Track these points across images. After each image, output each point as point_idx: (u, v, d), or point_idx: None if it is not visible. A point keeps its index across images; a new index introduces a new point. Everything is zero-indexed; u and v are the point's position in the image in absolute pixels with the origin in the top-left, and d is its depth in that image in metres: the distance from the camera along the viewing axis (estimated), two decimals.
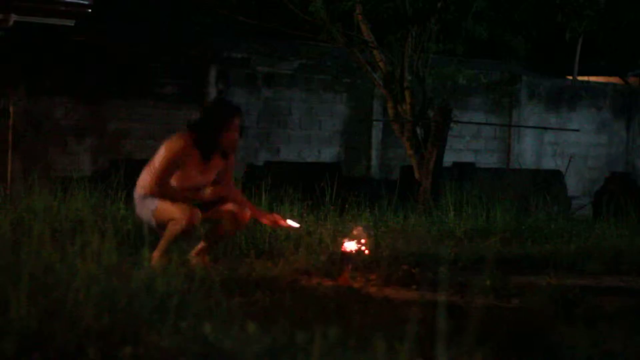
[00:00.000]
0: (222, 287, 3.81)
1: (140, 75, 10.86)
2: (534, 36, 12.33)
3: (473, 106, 13.51)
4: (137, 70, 10.87)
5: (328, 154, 12.38)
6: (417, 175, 10.27)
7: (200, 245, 5.80)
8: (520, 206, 8.88)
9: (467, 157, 13.51)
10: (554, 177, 13.41)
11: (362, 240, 5.81)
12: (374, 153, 12.67)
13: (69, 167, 10.33)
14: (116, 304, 3.37)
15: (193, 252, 5.75)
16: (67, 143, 10.47)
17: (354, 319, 4.11)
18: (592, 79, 15.74)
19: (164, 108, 11.04)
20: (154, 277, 3.72)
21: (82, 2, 8.85)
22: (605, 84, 15.48)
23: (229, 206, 5.73)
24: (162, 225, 5.49)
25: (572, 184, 14.14)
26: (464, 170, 12.72)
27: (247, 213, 5.78)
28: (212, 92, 11.32)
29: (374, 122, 12.58)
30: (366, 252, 5.84)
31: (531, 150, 14.18)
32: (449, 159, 12.19)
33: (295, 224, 6.07)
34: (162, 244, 5.46)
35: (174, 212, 5.45)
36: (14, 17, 8.77)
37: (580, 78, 15.82)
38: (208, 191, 5.73)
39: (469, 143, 13.57)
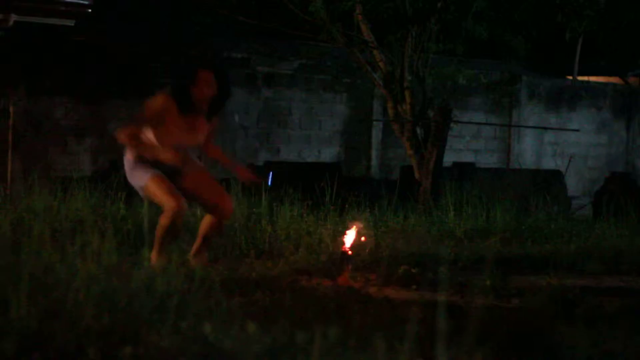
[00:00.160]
0: (222, 287, 3.82)
1: (140, 75, 10.86)
2: (534, 36, 12.33)
3: (473, 106, 13.51)
4: (137, 70, 10.87)
5: (328, 154, 12.38)
6: (417, 175, 10.27)
7: (196, 244, 5.79)
8: (520, 206, 8.88)
9: (467, 157, 13.52)
10: (554, 177, 13.40)
11: (362, 238, 5.81)
12: (374, 153, 12.68)
13: (69, 167, 10.33)
14: (116, 304, 3.37)
15: (191, 252, 5.74)
16: (67, 143, 10.47)
17: (354, 319, 4.11)
18: (592, 79, 15.74)
19: None
20: (154, 277, 3.72)
21: (82, 2, 8.85)
22: (605, 84, 15.48)
23: (211, 196, 5.69)
24: (151, 202, 5.54)
25: (572, 184, 14.14)
26: (464, 170, 12.72)
27: (230, 203, 5.73)
28: None
29: (374, 122, 12.58)
30: (362, 239, 5.84)
31: (531, 150, 14.18)
32: (449, 159, 12.19)
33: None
34: (157, 241, 5.46)
35: (161, 199, 5.45)
36: (14, 17, 8.77)
37: (580, 78, 15.82)
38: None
39: (469, 143, 13.57)
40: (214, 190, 5.73)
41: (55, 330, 3.13)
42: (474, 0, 10.24)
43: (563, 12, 10.29)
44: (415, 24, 10.14)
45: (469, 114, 13.19)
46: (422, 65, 10.36)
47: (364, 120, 12.48)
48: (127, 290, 3.48)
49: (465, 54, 10.61)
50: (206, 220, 5.76)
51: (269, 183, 6.08)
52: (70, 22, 9.10)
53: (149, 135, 5.53)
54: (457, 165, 13.06)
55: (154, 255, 5.35)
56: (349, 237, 5.78)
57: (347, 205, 7.90)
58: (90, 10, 8.97)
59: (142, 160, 5.56)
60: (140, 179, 5.56)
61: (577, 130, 14.05)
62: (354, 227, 5.90)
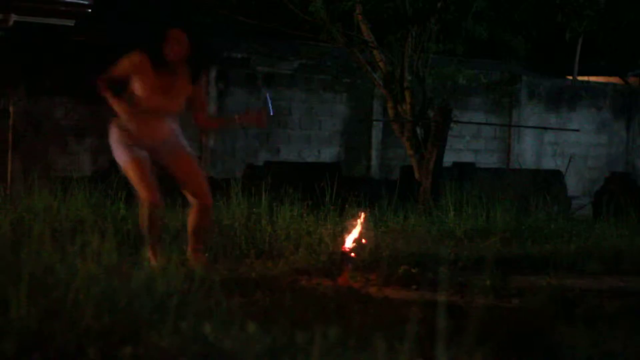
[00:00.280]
0: (222, 287, 3.81)
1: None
2: (534, 36, 12.33)
3: (473, 106, 13.51)
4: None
5: (328, 154, 12.38)
6: (417, 175, 10.28)
7: (189, 241, 5.75)
8: (520, 206, 8.88)
9: (467, 157, 13.51)
10: (554, 177, 13.41)
11: (363, 240, 5.81)
12: (374, 153, 12.67)
13: (69, 167, 10.33)
14: (116, 304, 3.36)
15: (188, 250, 5.71)
16: (67, 143, 10.47)
17: (354, 319, 4.11)
18: (592, 79, 15.73)
19: None
20: (153, 277, 3.72)
21: (82, 2, 8.85)
22: (605, 84, 15.47)
23: (189, 178, 5.60)
24: None
25: (572, 184, 14.14)
26: (464, 170, 12.73)
27: (209, 200, 5.63)
28: (212, 92, 11.32)
29: (374, 122, 12.58)
30: (363, 241, 5.85)
31: (531, 150, 14.18)
32: (449, 159, 12.19)
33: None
34: (146, 238, 5.43)
35: (137, 187, 5.42)
36: (14, 17, 8.78)
37: (580, 78, 15.81)
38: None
39: (469, 143, 13.57)
40: (192, 172, 5.62)
41: (55, 330, 3.13)
42: (474, 0, 10.24)
43: (563, 12, 10.30)
44: (415, 24, 10.14)
45: (469, 114, 13.18)
46: (422, 65, 10.36)
47: (364, 120, 12.47)
48: (127, 290, 3.48)
49: (465, 54, 10.61)
50: (191, 213, 5.67)
51: (271, 112, 5.94)
52: (70, 22, 9.10)
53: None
54: (457, 165, 13.06)
55: (150, 254, 5.34)
56: (349, 237, 5.78)
57: (347, 205, 7.90)
58: (90, 10, 8.98)
59: (124, 135, 5.49)
60: (119, 157, 5.53)
61: (577, 130, 14.05)
62: (354, 227, 5.90)
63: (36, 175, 7.78)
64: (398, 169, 12.58)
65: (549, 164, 14.13)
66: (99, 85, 5.47)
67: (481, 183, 10.23)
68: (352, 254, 5.72)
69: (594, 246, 7.26)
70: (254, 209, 7.50)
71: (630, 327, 3.89)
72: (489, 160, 13.77)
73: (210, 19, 11.27)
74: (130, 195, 7.45)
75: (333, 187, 8.14)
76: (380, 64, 10.42)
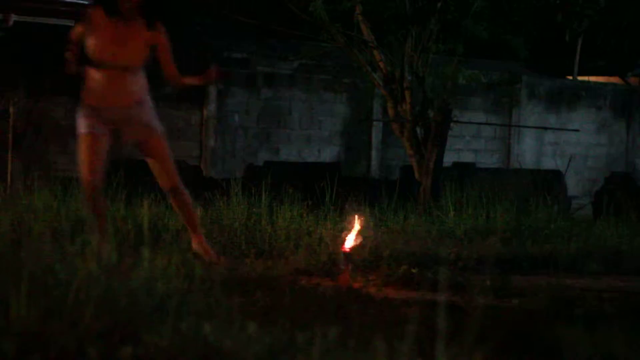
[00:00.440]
0: (222, 287, 3.81)
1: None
2: (534, 36, 12.33)
3: (473, 106, 13.51)
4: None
5: (328, 154, 12.38)
6: (417, 175, 10.28)
7: (190, 233, 5.71)
8: (520, 206, 8.88)
9: (467, 157, 13.52)
10: (554, 177, 13.40)
11: (362, 240, 5.81)
12: (374, 153, 12.68)
13: (69, 167, 10.32)
14: (116, 304, 3.36)
15: (194, 243, 5.69)
16: (67, 143, 10.46)
17: (354, 319, 4.11)
18: (592, 79, 15.73)
19: (164, 108, 11.03)
20: (154, 277, 3.72)
21: (82, 2, 8.86)
22: (605, 84, 15.47)
23: (156, 168, 5.53)
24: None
25: (572, 184, 14.14)
26: (464, 170, 12.72)
27: (176, 181, 5.52)
28: (212, 92, 11.32)
29: (374, 122, 12.58)
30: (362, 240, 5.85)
31: (531, 151, 14.18)
32: (449, 159, 12.19)
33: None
34: (90, 221, 5.32)
35: (80, 160, 5.36)
36: (13, 17, 8.78)
37: (580, 78, 15.82)
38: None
39: (469, 143, 13.57)
40: (159, 151, 5.54)
41: (55, 330, 3.13)
42: (474, 0, 10.24)
43: (563, 12, 10.29)
44: (415, 24, 10.14)
45: (469, 114, 13.19)
46: (422, 65, 10.36)
47: (364, 120, 12.48)
48: (127, 290, 3.48)
49: (465, 54, 10.61)
50: (172, 203, 5.65)
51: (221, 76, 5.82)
52: (70, 22, 9.10)
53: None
54: (457, 165, 13.06)
55: (98, 238, 5.07)
56: (349, 237, 5.78)
57: (347, 205, 7.90)
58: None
59: (87, 107, 5.38)
60: (77, 126, 5.42)
61: (577, 130, 14.05)
62: (354, 227, 5.90)
63: (36, 175, 7.78)
64: (398, 169, 12.58)
65: (549, 164, 14.13)
66: (66, 62, 5.37)
67: (481, 183, 10.22)
68: (352, 254, 5.72)
69: (594, 246, 7.25)
70: (254, 209, 7.50)
71: (630, 327, 3.88)
72: (489, 160, 13.78)
73: (210, 19, 11.29)
74: (130, 195, 7.46)
75: (333, 187, 8.15)
76: (380, 64, 10.42)
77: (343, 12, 10.23)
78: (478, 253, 6.59)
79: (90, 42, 5.34)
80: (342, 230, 6.41)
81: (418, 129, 10.32)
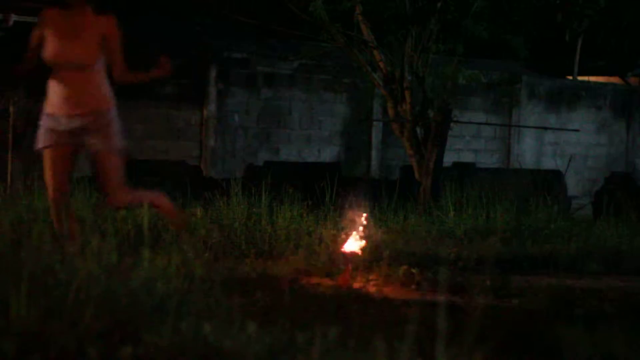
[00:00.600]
0: (222, 287, 3.81)
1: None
2: (534, 36, 12.33)
3: (473, 106, 13.51)
4: (137, 70, 10.84)
5: (328, 154, 12.38)
6: (417, 175, 10.28)
7: (169, 218, 5.60)
8: (520, 206, 8.88)
9: (467, 157, 13.52)
10: (554, 177, 13.41)
11: (362, 239, 5.81)
12: (374, 153, 12.68)
13: None
14: (116, 304, 3.36)
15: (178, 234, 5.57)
16: None
17: (354, 319, 4.11)
18: (592, 79, 15.73)
19: (164, 108, 11.04)
20: (154, 277, 3.72)
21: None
22: (605, 84, 15.47)
23: (100, 173, 5.29)
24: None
25: (572, 184, 14.14)
26: (464, 170, 12.72)
27: (115, 200, 5.28)
28: (212, 92, 11.32)
29: (374, 122, 12.58)
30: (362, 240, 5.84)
31: (531, 150, 14.18)
32: (449, 159, 12.19)
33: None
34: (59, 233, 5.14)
35: (45, 179, 5.20)
36: (13, 17, 8.77)
37: (580, 78, 15.81)
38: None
39: (469, 143, 13.57)
40: (106, 166, 5.24)
41: (55, 330, 3.13)
42: (474, 0, 10.24)
43: (563, 12, 10.29)
44: (415, 24, 10.14)
45: (469, 114, 13.19)
46: (422, 65, 10.36)
47: (364, 120, 12.48)
48: (127, 290, 3.48)
49: (465, 54, 10.61)
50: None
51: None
52: None
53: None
54: (457, 165, 13.06)
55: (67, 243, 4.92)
56: (349, 237, 5.78)
57: (347, 205, 7.90)
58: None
59: (46, 118, 5.20)
60: (37, 138, 5.23)
61: (577, 130, 14.05)
62: (354, 227, 5.90)
63: (36, 175, 7.77)
64: (398, 169, 12.58)
65: (549, 164, 14.13)
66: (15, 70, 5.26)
67: (481, 183, 10.23)
68: (352, 254, 5.72)
69: (594, 246, 7.26)
70: (254, 209, 7.50)
71: (630, 327, 3.89)
72: (489, 160, 13.78)
73: (210, 19, 11.28)
74: None
75: (333, 187, 8.15)
76: (380, 64, 10.42)
77: (343, 12, 10.23)
78: (478, 253, 6.59)
79: (45, 43, 5.20)
80: (342, 230, 6.41)
81: (418, 129, 10.33)
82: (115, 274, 3.61)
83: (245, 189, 7.87)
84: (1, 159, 9.89)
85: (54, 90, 5.26)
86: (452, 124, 10.42)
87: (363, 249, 6.05)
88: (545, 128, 13.97)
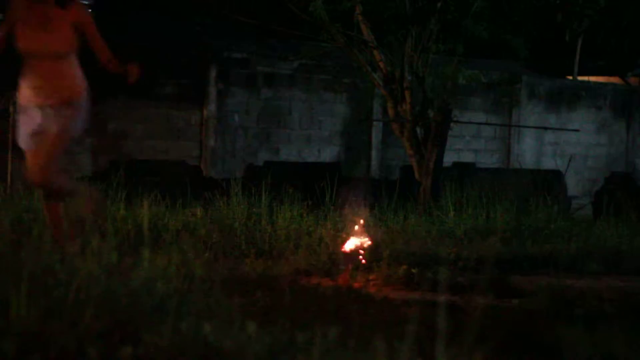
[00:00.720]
0: (222, 287, 3.81)
1: (140, 75, 10.83)
2: (534, 36, 12.33)
3: (473, 106, 13.51)
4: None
5: (328, 154, 12.38)
6: (417, 175, 10.28)
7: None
8: (520, 206, 8.88)
9: (467, 157, 13.52)
10: (554, 177, 13.41)
11: (362, 239, 5.81)
12: (374, 153, 12.68)
13: (69, 167, 10.33)
14: (116, 304, 3.36)
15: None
16: None
17: (354, 319, 4.11)
18: (592, 79, 15.73)
19: (164, 108, 11.04)
20: (154, 277, 3.72)
21: (81, 2, 8.85)
22: (605, 84, 15.47)
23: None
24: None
25: (572, 184, 14.14)
26: (464, 170, 12.72)
27: (33, 178, 5.13)
28: (212, 92, 11.32)
29: (374, 122, 12.58)
30: (362, 239, 5.84)
31: (531, 150, 14.18)
32: (449, 159, 12.19)
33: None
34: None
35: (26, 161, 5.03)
36: None
37: (580, 78, 15.82)
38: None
39: (469, 143, 13.57)
40: (45, 144, 5.10)
41: (55, 330, 3.13)
42: (474, 0, 10.24)
43: (563, 12, 10.29)
44: (415, 24, 10.14)
45: (469, 114, 13.19)
46: (422, 65, 10.36)
47: (364, 120, 12.48)
48: (127, 290, 3.48)
49: (465, 54, 10.61)
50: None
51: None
52: None
53: None
54: (457, 165, 13.06)
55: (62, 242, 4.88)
56: (349, 237, 5.78)
57: (347, 205, 7.90)
58: (90, 10, 8.97)
59: (20, 105, 5.14)
60: (17, 136, 5.20)
61: (578, 130, 14.05)
62: (354, 227, 5.90)
63: None
64: (398, 169, 12.58)
65: (549, 164, 14.13)
66: None
67: (481, 183, 10.23)
68: (352, 254, 5.72)
69: (594, 246, 7.26)
70: (254, 209, 7.50)
71: (630, 327, 3.89)
72: (489, 160, 13.78)
73: (210, 19, 11.28)
74: (130, 195, 7.46)
75: (333, 187, 8.15)
76: (380, 64, 10.42)
77: (343, 12, 10.23)
78: (478, 253, 6.59)
79: (15, 32, 5.10)
80: (342, 230, 6.41)
81: (418, 129, 10.33)
82: (115, 274, 3.61)
83: (245, 189, 7.88)
84: (1, 159, 9.89)
85: (27, 81, 5.19)
86: (452, 124, 10.42)
87: (363, 249, 6.05)
88: (545, 128, 13.97)
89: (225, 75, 11.46)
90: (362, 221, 6.04)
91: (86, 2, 8.87)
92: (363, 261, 5.92)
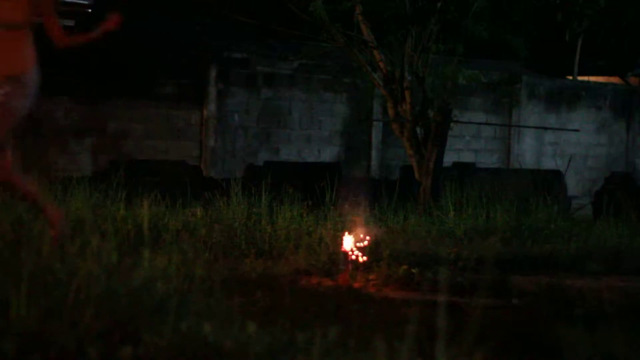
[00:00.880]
0: (222, 287, 3.81)
1: (140, 75, 10.86)
2: (534, 36, 12.33)
3: (473, 106, 13.51)
4: (137, 70, 10.87)
5: (328, 154, 12.38)
6: (417, 175, 10.28)
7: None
8: (520, 206, 8.88)
9: (467, 157, 13.52)
10: (554, 177, 13.41)
11: (362, 239, 5.81)
12: (374, 153, 12.68)
13: (69, 167, 10.33)
14: (116, 304, 3.36)
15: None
16: (67, 143, 10.47)
17: (354, 319, 4.11)
18: (592, 79, 15.73)
19: (164, 108, 11.05)
20: (154, 277, 3.72)
21: (82, 2, 8.85)
22: (605, 84, 15.47)
23: None
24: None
25: (572, 184, 14.14)
26: (464, 170, 12.72)
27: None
28: (212, 92, 11.32)
29: (374, 122, 12.58)
30: (362, 239, 5.83)
31: (531, 150, 14.18)
32: (449, 159, 12.19)
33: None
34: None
35: None
36: None
37: (580, 78, 15.82)
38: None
39: (469, 143, 13.57)
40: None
41: (55, 330, 3.13)
42: (474, 0, 10.24)
43: (563, 12, 10.29)
44: (415, 24, 10.14)
45: (469, 114, 13.19)
46: (422, 65, 10.36)
47: (364, 120, 12.48)
48: (127, 290, 3.48)
49: (465, 54, 10.61)
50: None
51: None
52: (70, 22, 9.09)
53: None
54: (457, 165, 13.06)
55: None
56: (349, 237, 5.78)
57: (347, 205, 7.90)
58: (90, 10, 8.97)
59: None
60: None
61: (578, 130, 14.05)
62: (354, 227, 5.90)
63: (36, 175, 7.77)
64: (398, 169, 12.58)
65: (549, 164, 14.13)
66: None
67: (481, 183, 10.23)
68: (352, 254, 5.72)
69: (594, 246, 7.26)
70: (254, 209, 7.50)
71: (630, 327, 3.88)
72: (489, 160, 13.78)
73: (210, 19, 11.28)
74: (130, 195, 7.46)
75: (333, 187, 8.15)
76: (380, 64, 10.42)
77: (343, 12, 10.23)
78: (478, 253, 6.58)
79: None
80: (342, 230, 6.41)
81: (418, 129, 10.32)
82: (115, 273, 3.61)
83: (245, 189, 7.87)
84: None
85: None
86: (452, 124, 10.42)
87: (363, 249, 6.05)
88: (545, 128, 13.97)
89: (225, 75, 11.46)
90: (362, 221, 6.04)
91: (86, 2, 8.87)
92: (365, 258, 5.92)
